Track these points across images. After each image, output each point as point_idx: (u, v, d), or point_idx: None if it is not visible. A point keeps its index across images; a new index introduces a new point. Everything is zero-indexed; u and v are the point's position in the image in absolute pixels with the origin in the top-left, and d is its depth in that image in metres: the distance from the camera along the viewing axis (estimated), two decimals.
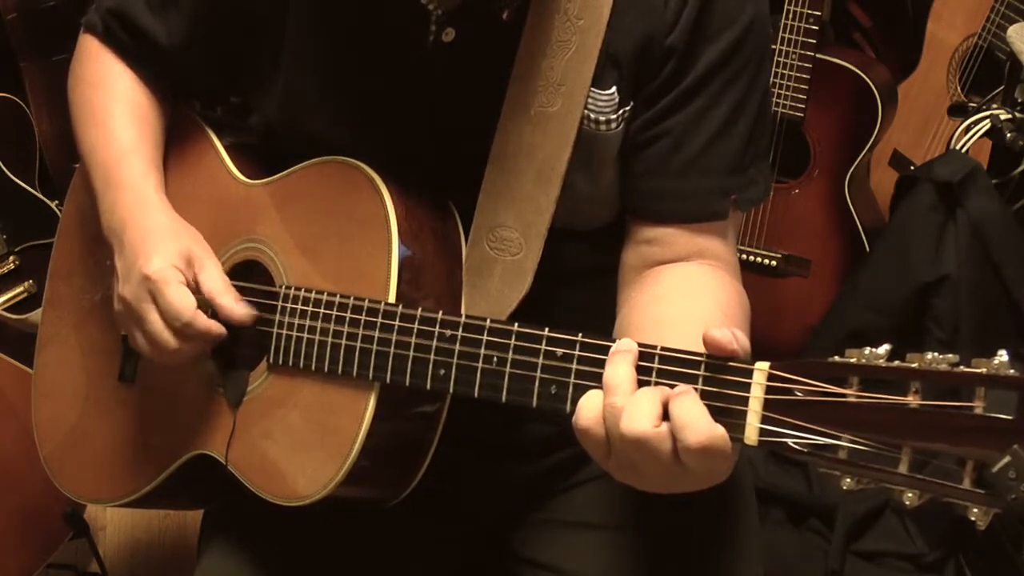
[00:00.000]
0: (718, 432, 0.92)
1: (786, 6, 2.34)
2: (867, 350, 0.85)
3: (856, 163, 2.51)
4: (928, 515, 2.12)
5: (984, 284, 2.21)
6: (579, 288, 1.26)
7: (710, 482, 0.98)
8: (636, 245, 1.22)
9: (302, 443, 1.18)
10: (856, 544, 2.15)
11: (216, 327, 1.22)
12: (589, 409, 0.98)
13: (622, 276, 1.24)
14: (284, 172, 1.27)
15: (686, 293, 1.17)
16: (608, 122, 1.17)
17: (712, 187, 1.19)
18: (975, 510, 0.80)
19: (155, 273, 1.21)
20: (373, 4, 1.20)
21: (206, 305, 1.22)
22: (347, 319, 1.16)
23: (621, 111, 1.17)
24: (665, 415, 0.94)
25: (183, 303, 1.20)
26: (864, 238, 2.52)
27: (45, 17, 2.09)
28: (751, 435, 0.91)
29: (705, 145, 1.17)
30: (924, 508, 0.84)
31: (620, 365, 0.97)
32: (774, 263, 2.55)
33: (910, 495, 0.83)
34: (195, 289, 1.22)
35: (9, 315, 2.09)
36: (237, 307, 1.22)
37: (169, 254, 1.22)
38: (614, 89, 1.16)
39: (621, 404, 0.95)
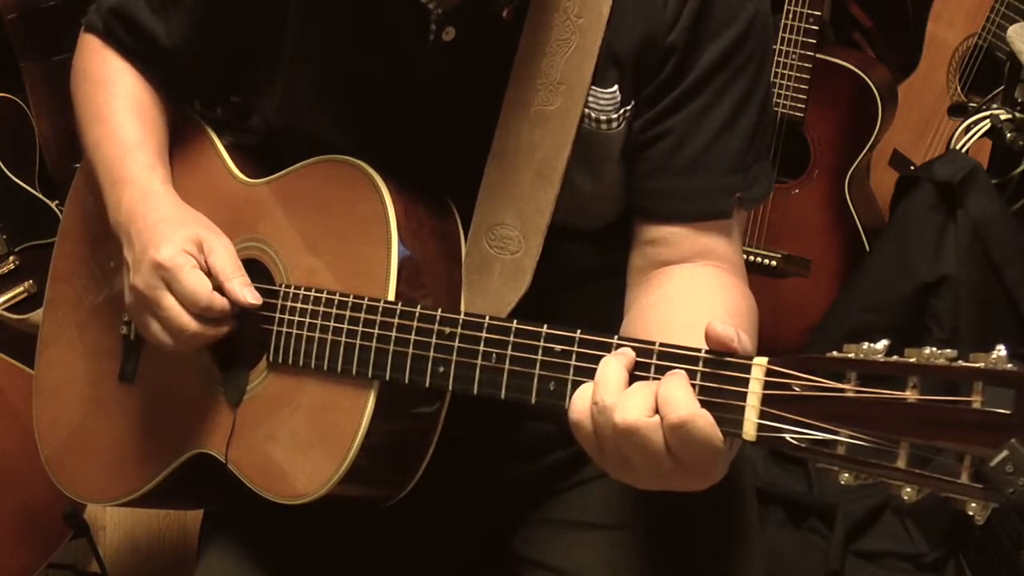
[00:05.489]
0: (699, 411, 0.92)
1: (786, 6, 2.34)
2: (865, 345, 0.85)
3: (856, 163, 2.51)
4: (928, 515, 2.12)
5: (984, 284, 2.21)
6: (581, 287, 1.26)
7: (704, 479, 0.97)
8: (641, 246, 1.22)
9: (302, 441, 1.18)
10: (856, 544, 2.15)
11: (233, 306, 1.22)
12: (579, 403, 0.98)
13: (629, 278, 1.24)
14: (284, 171, 1.28)
15: (692, 296, 1.17)
16: (609, 121, 1.17)
17: (716, 185, 1.19)
18: (973, 505, 0.80)
19: (168, 260, 1.21)
20: (373, 3, 1.20)
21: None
22: (347, 317, 1.16)
23: (623, 110, 1.17)
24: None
25: (200, 287, 1.20)
26: (864, 238, 2.52)
27: (45, 17, 2.09)
28: (749, 430, 0.91)
29: (708, 143, 1.17)
30: (923, 503, 0.84)
31: (611, 363, 0.97)
32: (774, 263, 2.54)
33: (908, 490, 0.83)
34: (206, 273, 1.22)
35: (9, 315, 2.09)
36: (244, 292, 1.22)
37: (179, 241, 1.22)
38: (615, 88, 1.16)
39: (611, 402, 0.95)
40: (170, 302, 1.21)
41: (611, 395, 0.95)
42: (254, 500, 1.21)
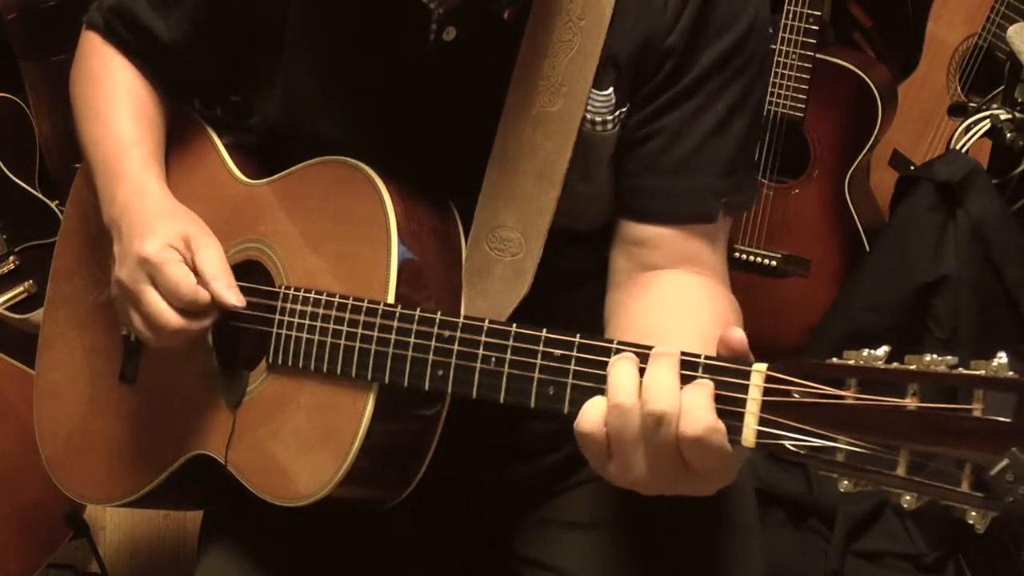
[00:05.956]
0: (715, 426, 0.91)
1: (786, 6, 2.34)
2: (865, 351, 0.85)
3: (856, 163, 2.51)
4: (928, 515, 2.12)
5: (984, 284, 2.21)
6: (579, 290, 1.26)
7: (711, 485, 0.97)
8: (626, 246, 1.22)
9: (302, 443, 1.18)
10: (856, 544, 2.15)
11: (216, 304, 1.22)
12: (592, 413, 0.97)
13: (611, 277, 1.23)
14: (285, 172, 1.27)
15: (683, 305, 1.16)
16: (604, 123, 1.17)
17: (704, 187, 1.18)
18: (973, 513, 0.80)
19: (153, 254, 1.20)
20: (374, 4, 1.20)
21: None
22: (346, 319, 1.16)
23: (618, 112, 1.17)
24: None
25: (183, 280, 1.20)
26: (864, 238, 2.52)
27: (45, 17, 2.09)
28: (748, 437, 0.90)
29: (699, 144, 1.17)
30: (923, 509, 0.84)
31: (624, 366, 0.96)
32: (774, 263, 2.55)
33: (908, 498, 0.82)
34: (193, 270, 1.22)
35: (10, 315, 2.09)
36: (227, 293, 1.21)
37: (166, 235, 1.22)
38: (611, 90, 1.16)
39: (631, 402, 0.94)
40: (152, 296, 1.21)
41: (632, 396, 0.94)
42: (254, 501, 1.21)
